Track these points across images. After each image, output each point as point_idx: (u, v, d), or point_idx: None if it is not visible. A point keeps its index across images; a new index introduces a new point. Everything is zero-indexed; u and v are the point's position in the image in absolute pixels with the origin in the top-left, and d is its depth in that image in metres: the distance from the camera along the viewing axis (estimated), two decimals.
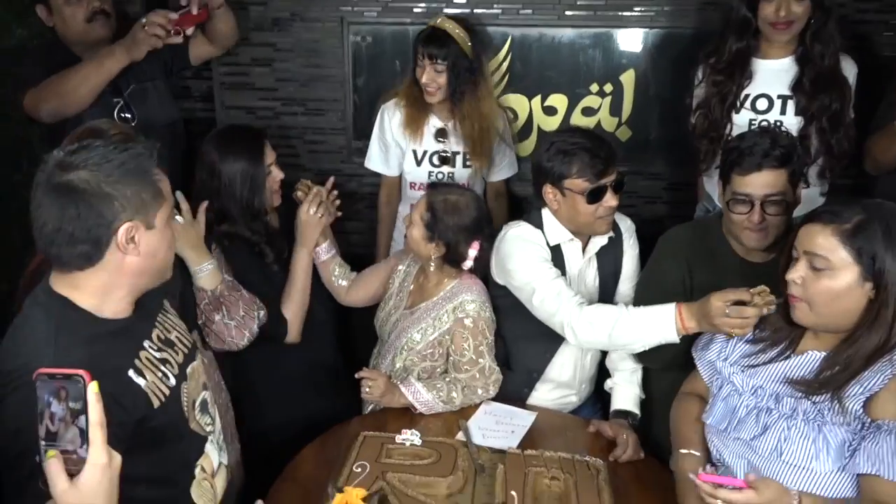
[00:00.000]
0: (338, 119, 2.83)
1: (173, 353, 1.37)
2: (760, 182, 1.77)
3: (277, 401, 2.14)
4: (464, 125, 2.46)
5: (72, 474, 0.94)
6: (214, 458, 1.43)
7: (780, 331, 1.54)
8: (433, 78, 2.38)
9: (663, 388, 1.93)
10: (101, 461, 0.95)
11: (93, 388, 0.94)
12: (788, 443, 1.43)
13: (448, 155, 2.51)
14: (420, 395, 1.96)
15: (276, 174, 2.09)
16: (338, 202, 2.19)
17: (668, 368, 1.92)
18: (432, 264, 2.03)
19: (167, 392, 1.30)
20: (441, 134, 2.50)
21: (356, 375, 1.99)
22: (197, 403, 1.41)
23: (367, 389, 1.96)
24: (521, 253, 1.97)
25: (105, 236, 1.19)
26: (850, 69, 2.24)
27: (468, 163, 2.53)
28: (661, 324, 1.74)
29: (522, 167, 2.72)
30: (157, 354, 1.32)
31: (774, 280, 1.52)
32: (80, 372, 0.94)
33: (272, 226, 2.14)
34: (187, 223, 1.89)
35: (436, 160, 2.51)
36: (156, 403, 1.27)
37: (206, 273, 1.91)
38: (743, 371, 1.56)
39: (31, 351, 1.17)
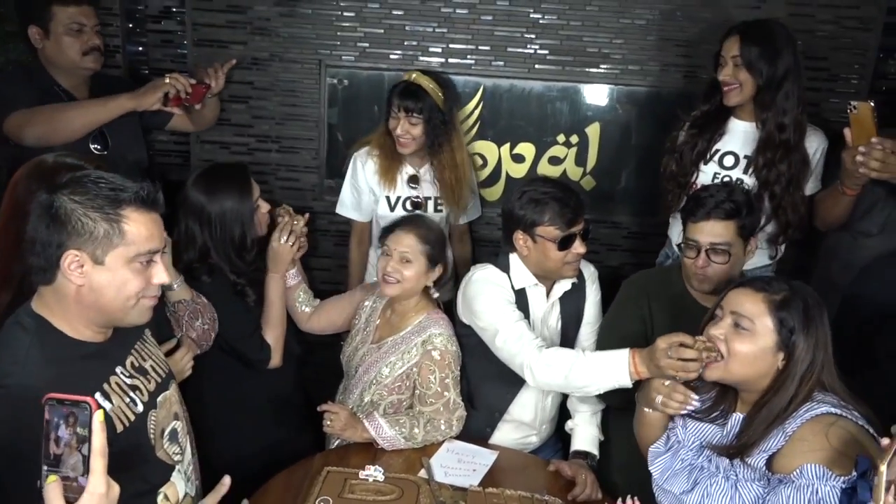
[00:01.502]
0: (311, 157, 2.88)
1: (145, 381, 1.38)
2: (707, 230, 1.91)
3: (239, 434, 2.13)
4: (442, 174, 2.53)
5: (69, 502, 0.94)
6: (181, 487, 1.43)
7: (722, 395, 1.62)
8: (407, 130, 2.45)
9: (622, 430, 1.99)
10: (99, 490, 0.95)
11: (98, 417, 0.95)
12: (710, 499, 1.52)
13: (420, 200, 2.58)
14: (382, 431, 1.98)
15: (264, 206, 2.14)
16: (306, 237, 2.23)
17: (627, 408, 1.98)
18: (405, 301, 2.09)
19: (132, 418, 1.31)
20: (413, 180, 2.57)
21: (319, 408, 2.01)
22: (166, 432, 1.41)
23: (329, 422, 1.98)
24: (486, 295, 2.03)
25: (54, 257, 1.23)
26: (815, 143, 2.32)
27: (439, 207, 2.60)
28: (615, 368, 1.79)
29: (486, 211, 2.81)
30: (129, 381, 1.33)
31: None
32: (88, 399, 0.95)
33: (258, 265, 2.14)
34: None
35: (408, 205, 2.58)
36: (119, 428, 1.28)
37: (181, 287, 1.94)
38: (689, 425, 1.64)
39: (2, 367, 1.18)
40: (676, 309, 2.01)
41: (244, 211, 2.06)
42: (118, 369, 1.32)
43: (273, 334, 2.13)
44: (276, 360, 2.14)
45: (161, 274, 1.31)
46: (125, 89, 2.39)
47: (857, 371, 1.89)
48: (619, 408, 2.07)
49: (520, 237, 2.03)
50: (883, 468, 1.14)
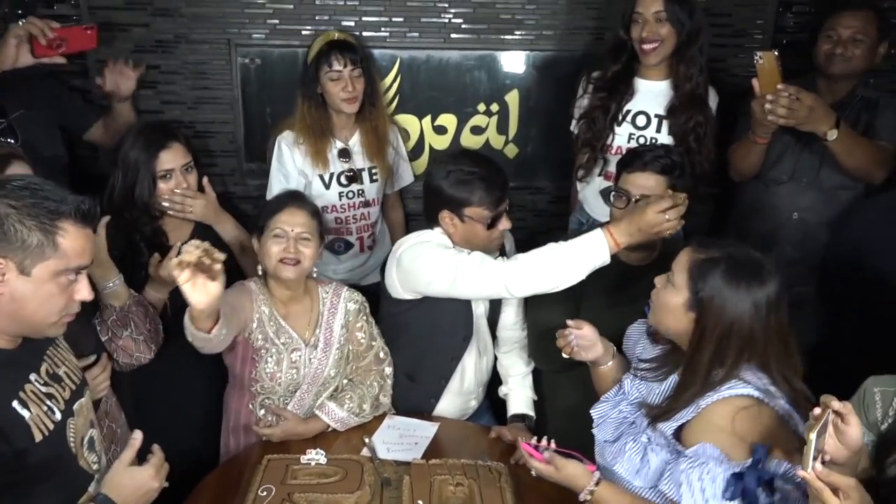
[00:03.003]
0: (228, 141, 2.79)
1: (60, 389, 1.33)
2: (640, 182, 1.95)
3: (173, 431, 2.07)
4: (371, 139, 2.50)
5: None
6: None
7: (670, 353, 1.65)
8: (352, 83, 2.39)
9: (554, 386, 2.05)
10: None
11: None
12: (622, 455, 1.57)
13: (353, 173, 2.54)
14: (335, 415, 1.98)
15: (178, 181, 2.08)
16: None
17: (558, 371, 2.03)
18: (298, 286, 2.03)
19: (51, 427, 1.27)
20: (344, 154, 2.52)
21: (258, 431, 1.97)
22: (85, 440, 1.37)
23: (268, 433, 1.95)
24: (425, 251, 2.00)
25: None
26: (711, 98, 2.43)
27: (374, 176, 2.57)
28: (594, 248, 1.83)
29: (410, 185, 2.79)
30: (44, 389, 1.28)
31: (648, 283, 1.65)
32: None
33: (163, 232, 2.11)
34: None
35: (343, 180, 2.53)
36: (38, 437, 1.23)
37: (114, 289, 1.81)
38: (636, 379, 1.68)
39: None
40: (604, 268, 2.05)
41: (142, 165, 2.05)
42: (32, 377, 1.27)
43: None
44: None
45: (84, 291, 1.27)
46: (46, 90, 2.28)
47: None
48: (550, 370, 2.12)
49: (446, 216, 2.02)
50: (812, 436, 1.19)
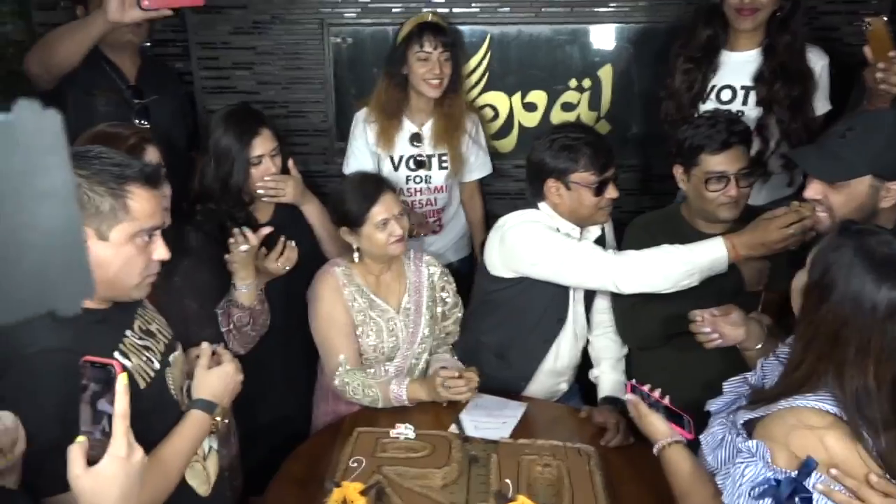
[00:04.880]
0: (320, 121, 2.84)
1: (155, 342, 1.40)
2: (732, 158, 1.88)
3: (267, 401, 2.14)
4: (447, 126, 2.48)
5: (94, 462, 0.95)
6: (205, 441, 1.46)
7: None
8: (440, 66, 2.38)
9: (644, 374, 1.99)
10: (119, 453, 0.96)
11: (122, 380, 0.96)
12: (710, 429, 1.45)
13: (423, 158, 2.53)
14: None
15: (268, 166, 2.10)
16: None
17: (645, 347, 1.98)
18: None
19: (153, 375, 1.34)
20: (415, 138, 2.52)
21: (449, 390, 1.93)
22: (184, 390, 1.45)
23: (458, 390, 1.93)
24: (534, 233, 1.99)
25: None
26: (817, 60, 2.29)
27: (444, 164, 2.56)
28: (712, 254, 1.80)
29: (499, 163, 2.76)
30: (140, 342, 1.35)
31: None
32: (113, 362, 0.97)
33: (255, 218, 2.13)
34: (252, 250, 1.91)
35: (412, 164, 2.53)
36: (142, 384, 1.30)
37: (246, 290, 1.93)
38: (770, 359, 1.53)
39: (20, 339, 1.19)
40: (680, 241, 1.97)
41: (237, 153, 2.06)
42: (128, 332, 1.34)
43: None
44: None
45: (161, 249, 1.31)
46: (172, 80, 2.39)
47: None
48: (641, 348, 2.07)
49: (552, 185, 1.98)
50: None
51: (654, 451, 1.51)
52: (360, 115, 2.54)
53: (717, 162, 1.89)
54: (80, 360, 0.98)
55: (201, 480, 1.43)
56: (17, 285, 0.53)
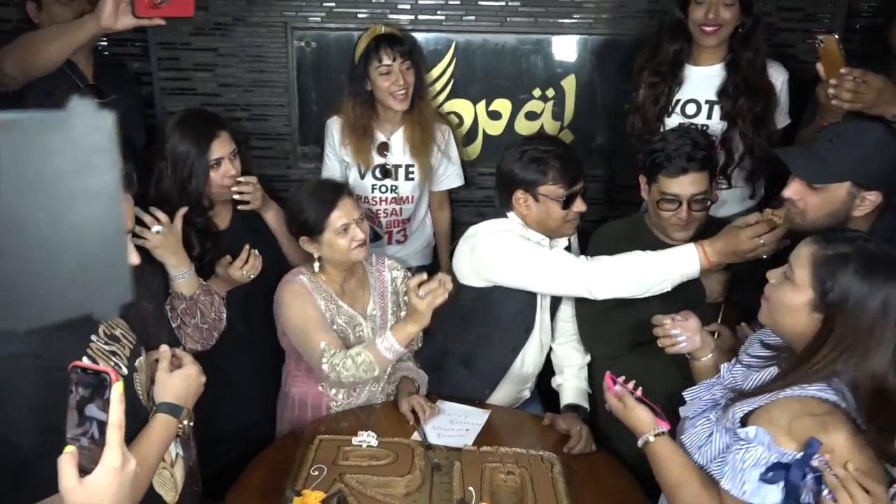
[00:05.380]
0: (283, 125, 2.81)
1: (120, 347, 1.36)
2: (687, 183, 1.91)
3: (230, 406, 2.09)
4: (414, 136, 2.47)
5: (86, 472, 0.92)
6: (171, 448, 1.42)
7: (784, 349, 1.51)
8: (403, 77, 2.36)
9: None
10: (114, 463, 0.93)
11: (117, 389, 0.93)
12: (694, 430, 1.48)
13: (389, 168, 2.52)
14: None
15: (227, 168, 2.05)
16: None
17: (610, 355, 1.99)
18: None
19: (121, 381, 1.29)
20: (383, 147, 2.50)
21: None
22: (151, 395, 1.41)
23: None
24: (506, 242, 1.99)
25: None
26: (778, 75, 2.35)
27: (411, 175, 2.54)
28: (684, 260, 1.81)
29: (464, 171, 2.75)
30: (106, 347, 1.32)
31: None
32: (109, 371, 0.94)
33: (214, 224, 2.09)
34: (166, 231, 1.85)
35: (378, 173, 2.52)
36: None
37: (185, 279, 1.89)
38: (734, 367, 1.56)
39: None
40: (644, 249, 2.00)
41: (195, 158, 2.00)
42: (93, 337, 1.30)
43: None
44: None
45: (131, 255, 1.27)
46: (128, 79, 2.35)
47: None
48: (607, 356, 2.08)
49: (520, 196, 1.99)
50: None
51: (640, 443, 1.50)
52: (331, 122, 2.52)
53: (671, 185, 1.92)
54: (69, 366, 0.94)
55: (169, 488, 1.39)
56: (59, 286, 0.52)
